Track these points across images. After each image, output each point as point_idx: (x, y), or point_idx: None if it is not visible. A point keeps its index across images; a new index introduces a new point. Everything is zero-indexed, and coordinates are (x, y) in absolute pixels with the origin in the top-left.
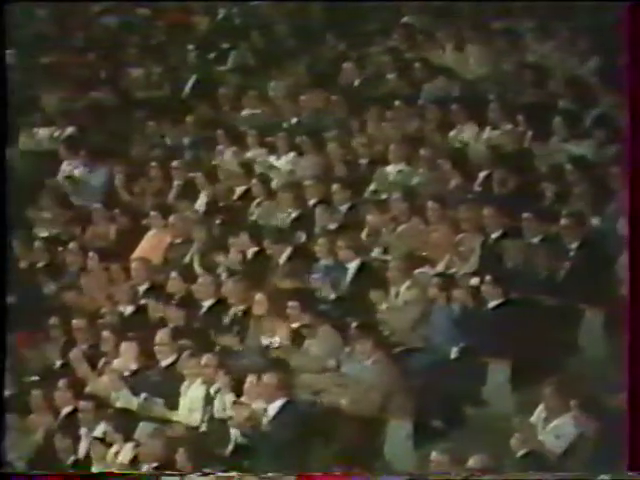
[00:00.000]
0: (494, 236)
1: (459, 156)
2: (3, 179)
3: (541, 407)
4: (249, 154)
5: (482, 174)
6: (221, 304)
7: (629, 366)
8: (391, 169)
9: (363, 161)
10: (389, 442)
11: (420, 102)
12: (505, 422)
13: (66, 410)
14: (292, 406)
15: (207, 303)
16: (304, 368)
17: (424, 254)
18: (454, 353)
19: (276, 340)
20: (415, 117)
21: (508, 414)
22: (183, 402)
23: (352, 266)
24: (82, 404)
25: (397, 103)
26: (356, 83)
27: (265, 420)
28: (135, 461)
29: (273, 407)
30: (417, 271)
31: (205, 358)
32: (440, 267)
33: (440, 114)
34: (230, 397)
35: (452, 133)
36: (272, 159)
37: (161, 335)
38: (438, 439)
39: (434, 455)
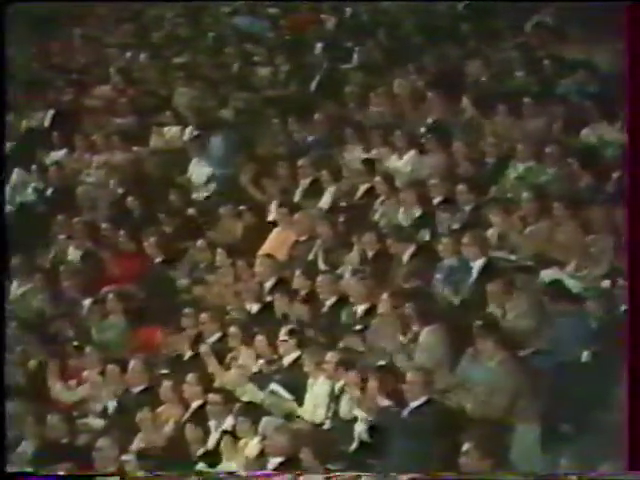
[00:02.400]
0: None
1: (590, 155)
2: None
3: None
4: (373, 152)
5: (615, 175)
6: (344, 301)
7: (629, 366)
8: (519, 167)
9: (489, 160)
10: (516, 445)
11: (550, 99)
12: None
13: (196, 403)
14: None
15: (329, 302)
16: (423, 368)
17: (552, 255)
18: (585, 357)
19: (398, 339)
20: (544, 114)
21: None
22: (308, 398)
23: (477, 265)
24: (211, 397)
25: (526, 100)
26: (483, 79)
27: (392, 419)
28: (261, 455)
29: (411, 406)
30: (544, 272)
31: (328, 355)
32: (570, 268)
33: (571, 111)
34: (355, 395)
35: (584, 131)
36: (395, 157)
37: (285, 331)
38: (567, 443)
39: (563, 461)
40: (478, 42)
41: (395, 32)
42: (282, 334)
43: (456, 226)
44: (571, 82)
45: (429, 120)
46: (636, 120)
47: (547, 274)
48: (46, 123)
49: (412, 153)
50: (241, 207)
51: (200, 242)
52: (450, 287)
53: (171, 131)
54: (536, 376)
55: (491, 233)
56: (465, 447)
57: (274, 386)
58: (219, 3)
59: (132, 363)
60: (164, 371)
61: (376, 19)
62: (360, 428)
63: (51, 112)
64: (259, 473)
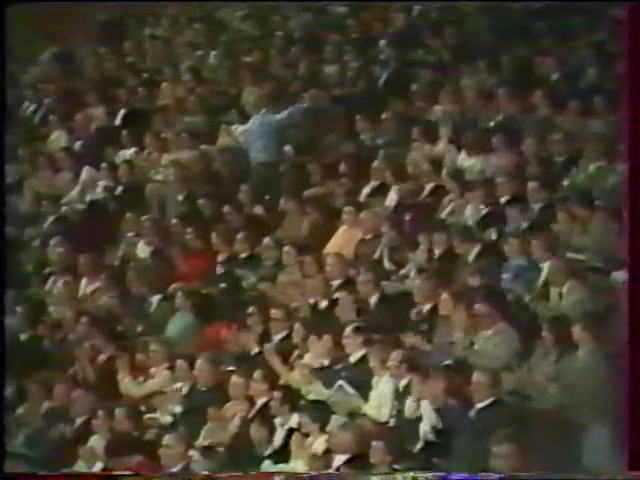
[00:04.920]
0: None
1: None
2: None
3: None
4: (439, 151)
5: None
6: (409, 300)
7: (629, 366)
8: (589, 166)
9: (559, 158)
10: (588, 447)
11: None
12: None
13: (261, 400)
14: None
15: (395, 300)
16: (489, 368)
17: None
18: None
19: (462, 339)
20: (615, 113)
21: None
22: (374, 396)
23: (546, 265)
24: (276, 395)
25: (596, 99)
26: (554, 77)
27: (458, 419)
28: (328, 452)
29: (479, 406)
30: (616, 273)
31: (393, 354)
32: None
33: None
34: (419, 395)
35: None
36: (463, 155)
37: (350, 329)
38: None
39: None
40: (551, 40)
41: (464, 30)
42: (347, 332)
43: (524, 225)
44: None
45: (499, 117)
46: (637, 120)
47: (619, 275)
48: (117, 122)
49: (480, 151)
50: (308, 205)
51: (267, 240)
52: (519, 287)
53: (238, 129)
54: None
55: (560, 233)
56: (532, 447)
57: (341, 382)
58: (288, 2)
59: (199, 361)
60: (230, 368)
61: (445, 17)
62: (425, 428)
63: (122, 111)
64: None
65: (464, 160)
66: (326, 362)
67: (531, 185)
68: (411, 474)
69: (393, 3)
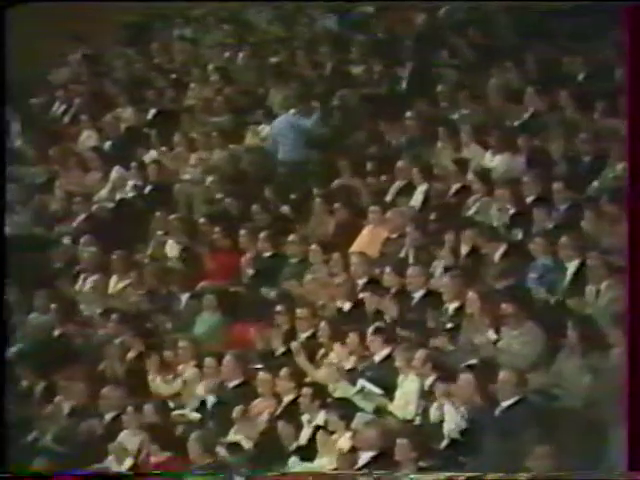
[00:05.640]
0: None
1: None
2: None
3: None
4: (465, 151)
5: None
6: (434, 297)
7: (629, 366)
8: (617, 166)
9: (586, 158)
10: (611, 446)
11: None
12: None
13: (288, 398)
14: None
15: (418, 294)
16: (515, 367)
17: None
18: None
19: (489, 338)
20: None
21: None
22: (399, 394)
23: (572, 265)
24: (304, 392)
25: (623, 99)
26: (580, 78)
27: (484, 418)
28: (353, 450)
29: (504, 404)
30: None
31: (418, 353)
32: None
33: None
34: (444, 394)
35: None
36: (489, 155)
37: (375, 328)
38: None
39: None
40: (576, 40)
41: (489, 30)
42: (371, 331)
43: (550, 225)
44: None
45: (524, 117)
46: (637, 120)
47: None
48: (146, 122)
49: (505, 151)
50: (334, 204)
51: (293, 238)
52: (545, 287)
53: (265, 129)
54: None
55: (586, 233)
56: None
57: (363, 382)
58: (313, 4)
59: (226, 358)
60: (258, 366)
61: (469, 17)
62: (450, 427)
63: (152, 111)
64: None
65: (490, 160)
66: (351, 361)
67: (557, 185)
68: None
69: (417, 4)
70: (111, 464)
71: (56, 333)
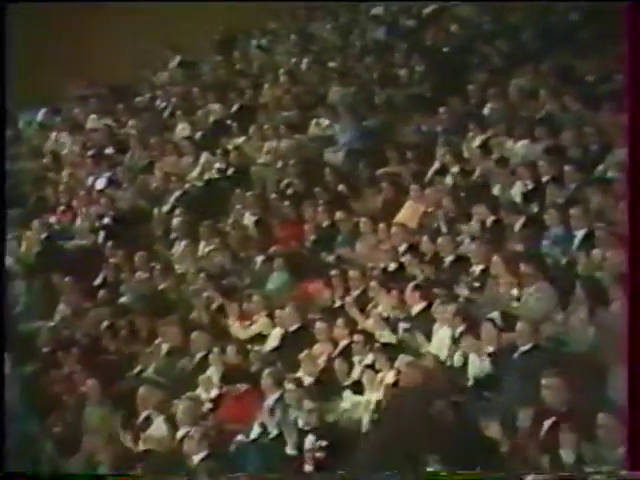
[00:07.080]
0: None
1: None
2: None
3: None
4: (492, 140)
5: None
6: (463, 261)
7: (629, 365)
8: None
9: (593, 147)
10: (611, 384)
11: None
12: None
13: (343, 343)
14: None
15: (449, 258)
16: (531, 318)
17: None
18: None
19: (509, 295)
20: None
21: None
22: (434, 340)
23: (579, 234)
24: (355, 338)
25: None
26: (589, 80)
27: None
28: (396, 385)
29: (522, 349)
30: None
31: (450, 307)
32: None
33: None
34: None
35: None
36: (511, 143)
37: (414, 285)
38: None
39: None
40: (590, 46)
41: (512, 39)
42: (410, 289)
43: (562, 200)
44: None
45: (542, 112)
46: (637, 120)
47: None
48: (230, 116)
49: (525, 139)
50: (382, 183)
51: (347, 211)
52: (557, 252)
53: (325, 122)
54: None
55: (592, 207)
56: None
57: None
58: (365, 17)
59: (287, 309)
60: (318, 316)
61: (496, 29)
62: (474, 371)
63: (234, 107)
64: None
65: (511, 147)
66: (394, 312)
67: (568, 168)
68: None
69: (453, 17)
70: (200, 393)
71: (158, 288)
